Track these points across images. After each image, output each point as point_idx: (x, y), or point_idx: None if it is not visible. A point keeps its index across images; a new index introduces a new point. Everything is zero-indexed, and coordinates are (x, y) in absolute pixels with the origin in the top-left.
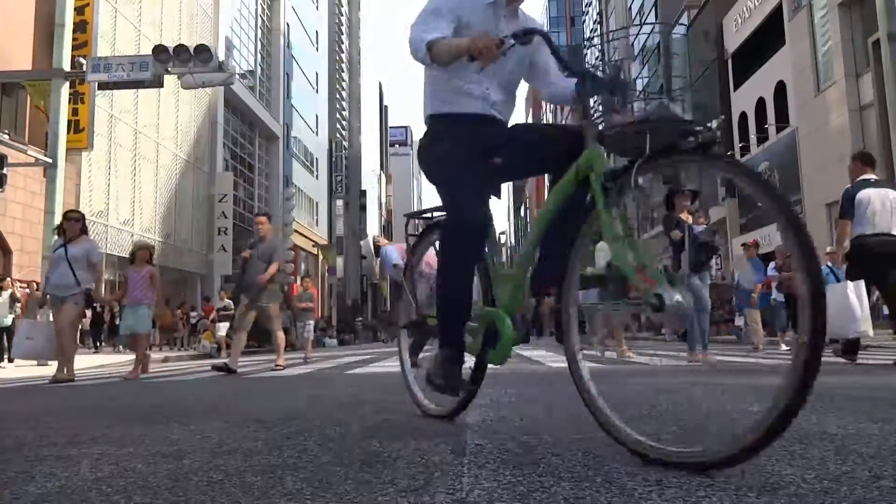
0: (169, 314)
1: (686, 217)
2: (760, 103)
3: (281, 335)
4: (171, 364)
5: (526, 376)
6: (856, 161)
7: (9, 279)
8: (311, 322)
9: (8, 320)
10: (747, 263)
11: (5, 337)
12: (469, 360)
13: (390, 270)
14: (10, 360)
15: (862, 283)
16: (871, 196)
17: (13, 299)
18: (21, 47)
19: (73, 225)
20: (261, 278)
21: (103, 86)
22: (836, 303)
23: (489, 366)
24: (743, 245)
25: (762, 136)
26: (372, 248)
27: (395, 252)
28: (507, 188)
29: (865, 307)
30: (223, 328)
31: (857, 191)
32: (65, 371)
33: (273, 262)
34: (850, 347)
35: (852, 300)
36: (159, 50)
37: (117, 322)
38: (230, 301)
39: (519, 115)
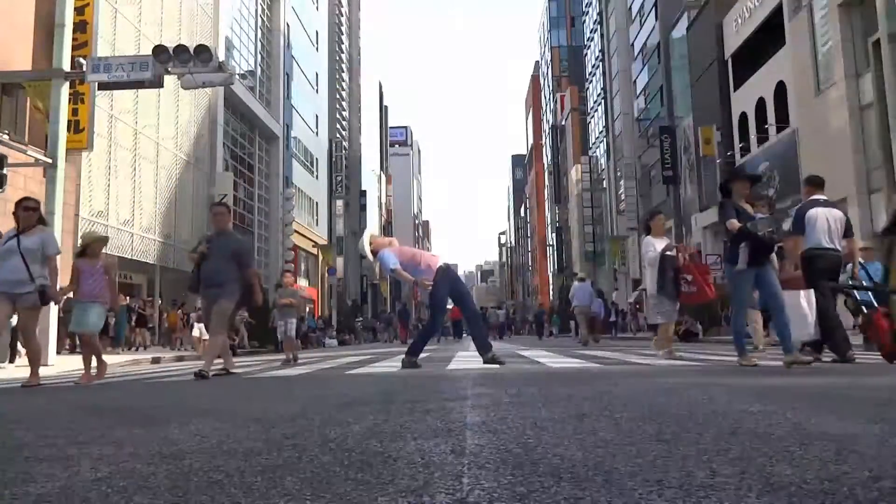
0: (174, 314)
1: (745, 205)
2: (760, 103)
3: (222, 338)
4: (171, 364)
5: (526, 376)
6: (807, 185)
7: None
8: (294, 320)
9: (12, 321)
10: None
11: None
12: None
13: (389, 273)
14: (11, 361)
15: (812, 291)
16: (819, 214)
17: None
18: (21, 47)
19: (30, 215)
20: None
21: (103, 86)
22: (795, 310)
23: (489, 366)
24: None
25: (762, 137)
26: (367, 249)
27: (393, 257)
28: (506, 188)
29: (814, 312)
30: (198, 329)
31: (807, 209)
32: (33, 375)
33: (247, 266)
34: (816, 347)
35: (804, 307)
36: (159, 50)
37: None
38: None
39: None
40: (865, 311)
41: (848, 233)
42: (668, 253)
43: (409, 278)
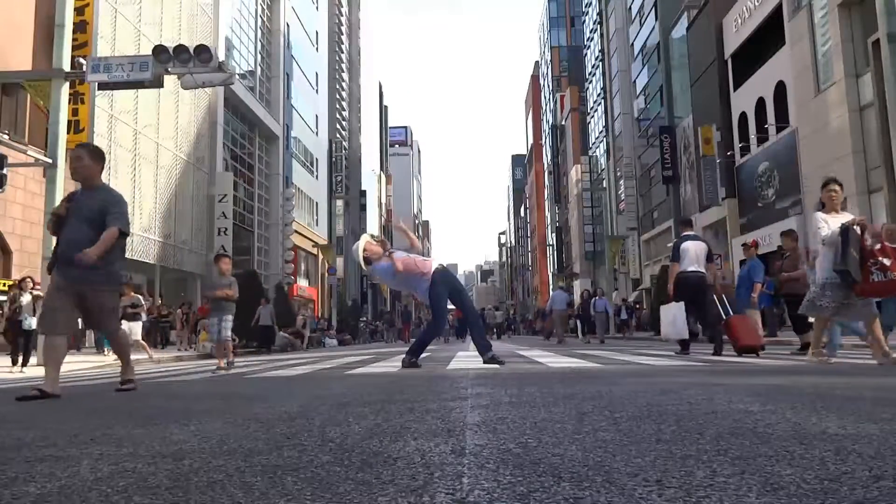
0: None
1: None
2: (760, 103)
3: (122, 336)
4: (171, 364)
5: (526, 376)
6: (680, 224)
7: (29, 279)
8: (230, 317)
9: (33, 322)
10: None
11: (27, 341)
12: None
13: (384, 280)
14: (24, 366)
15: (682, 304)
16: (689, 246)
17: (36, 300)
18: (21, 47)
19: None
20: (217, 292)
21: (103, 86)
22: (671, 316)
23: (489, 365)
24: (743, 245)
25: (762, 137)
26: (360, 259)
27: (389, 270)
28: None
29: (685, 319)
30: (136, 330)
31: (681, 243)
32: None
33: (111, 227)
34: (684, 345)
35: (678, 315)
36: (159, 50)
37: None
38: (138, 295)
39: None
40: (725, 317)
41: (709, 259)
42: (852, 227)
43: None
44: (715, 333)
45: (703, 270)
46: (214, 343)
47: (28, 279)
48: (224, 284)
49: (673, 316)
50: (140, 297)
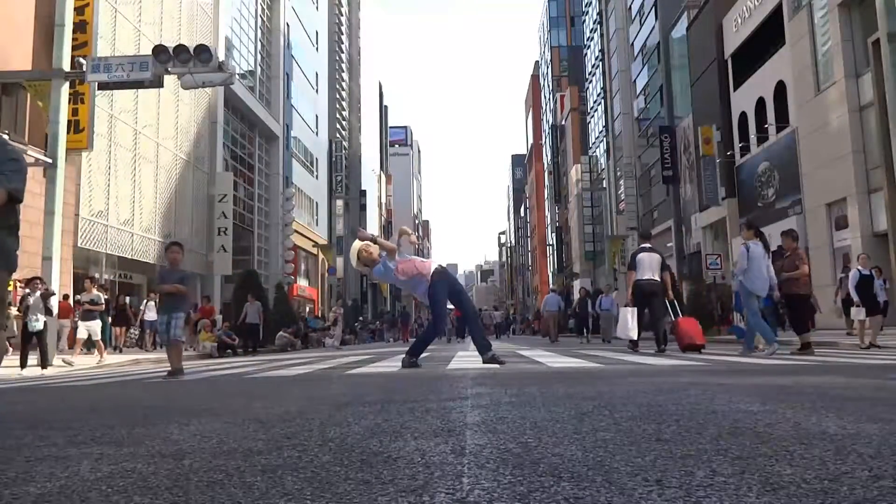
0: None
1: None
2: (760, 103)
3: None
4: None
5: (526, 376)
6: (639, 237)
7: (38, 280)
8: (181, 315)
9: (39, 324)
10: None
11: (40, 341)
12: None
13: (384, 280)
14: (44, 367)
15: (635, 308)
16: (644, 257)
17: (45, 298)
18: (21, 47)
19: None
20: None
21: (103, 86)
22: (623, 319)
23: (489, 365)
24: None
25: (762, 136)
26: (354, 261)
27: (388, 274)
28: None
29: (636, 322)
30: (95, 329)
31: (637, 254)
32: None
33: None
34: (633, 345)
35: (629, 318)
36: (159, 50)
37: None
38: (98, 293)
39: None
40: (674, 319)
41: (664, 269)
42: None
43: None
44: (660, 332)
45: (657, 278)
46: (165, 344)
47: (37, 280)
48: (174, 279)
49: (625, 319)
50: (101, 294)
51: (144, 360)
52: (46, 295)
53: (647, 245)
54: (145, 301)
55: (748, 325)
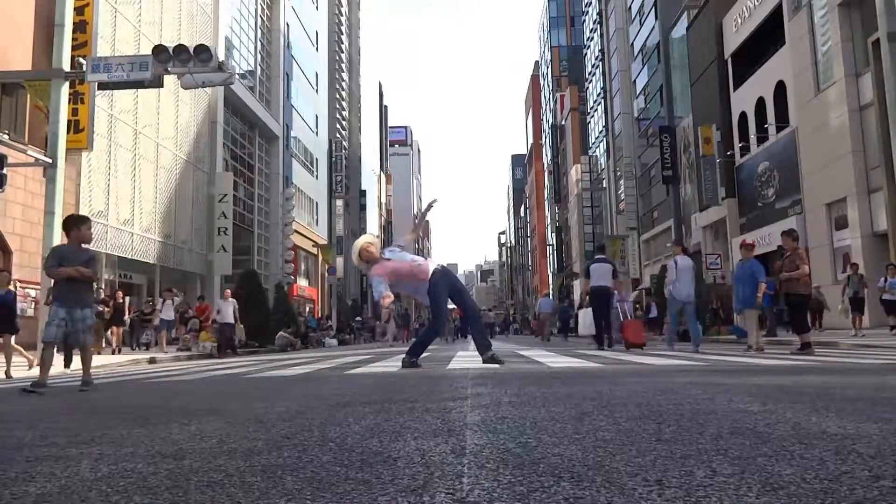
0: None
1: None
2: (760, 103)
3: None
4: (170, 364)
5: (526, 376)
6: (597, 251)
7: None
8: (88, 314)
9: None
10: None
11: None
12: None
13: (377, 298)
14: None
15: (591, 309)
16: (597, 267)
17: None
18: (21, 47)
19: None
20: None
21: (103, 86)
22: (585, 317)
23: (489, 365)
24: (741, 246)
25: (762, 136)
26: (356, 258)
27: (383, 285)
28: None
29: (591, 322)
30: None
31: (591, 265)
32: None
33: None
34: (598, 339)
35: (587, 319)
36: (159, 50)
37: None
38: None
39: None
40: (622, 320)
41: (614, 276)
42: None
43: (389, 306)
44: (610, 332)
45: (608, 285)
46: (56, 350)
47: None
48: (81, 260)
49: (583, 318)
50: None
51: (144, 360)
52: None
53: (601, 256)
54: (162, 301)
55: (689, 326)
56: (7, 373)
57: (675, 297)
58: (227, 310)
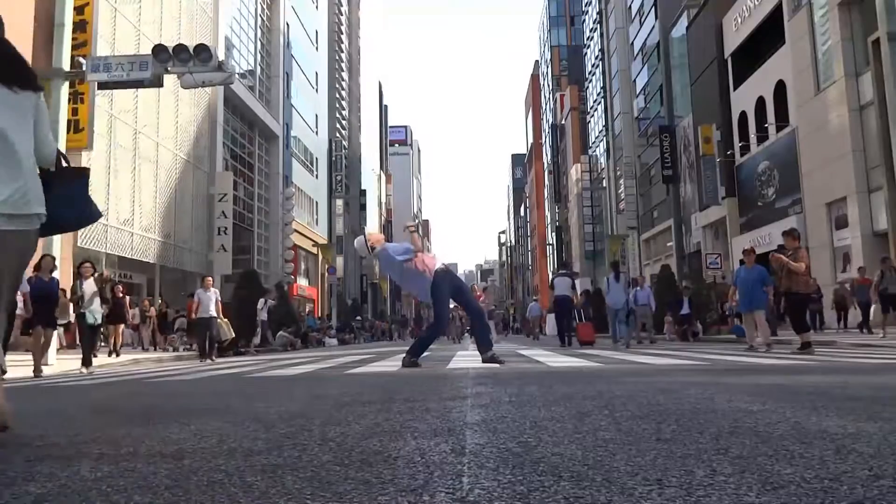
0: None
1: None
2: (760, 103)
3: None
4: (171, 364)
5: (526, 376)
6: (560, 266)
7: (89, 263)
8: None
9: (98, 315)
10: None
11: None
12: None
13: (389, 269)
14: (86, 364)
15: (555, 314)
16: (558, 281)
17: (101, 286)
18: (21, 47)
19: None
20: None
21: (103, 85)
22: (550, 323)
23: (489, 364)
24: (744, 252)
25: (762, 136)
26: (366, 247)
27: (393, 254)
28: (506, 187)
29: (553, 326)
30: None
31: (555, 278)
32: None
33: None
34: (562, 339)
35: (553, 323)
36: (159, 50)
37: None
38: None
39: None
40: (577, 322)
41: (573, 288)
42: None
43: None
44: (569, 332)
45: (569, 294)
46: None
47: (87, 263)
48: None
49: (552, 322)
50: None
51: (144, 360)
52: (103, 280)
53: (563, 271)
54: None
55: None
56: (36, 370)
57: (611, 307)
58: (209, 301)
